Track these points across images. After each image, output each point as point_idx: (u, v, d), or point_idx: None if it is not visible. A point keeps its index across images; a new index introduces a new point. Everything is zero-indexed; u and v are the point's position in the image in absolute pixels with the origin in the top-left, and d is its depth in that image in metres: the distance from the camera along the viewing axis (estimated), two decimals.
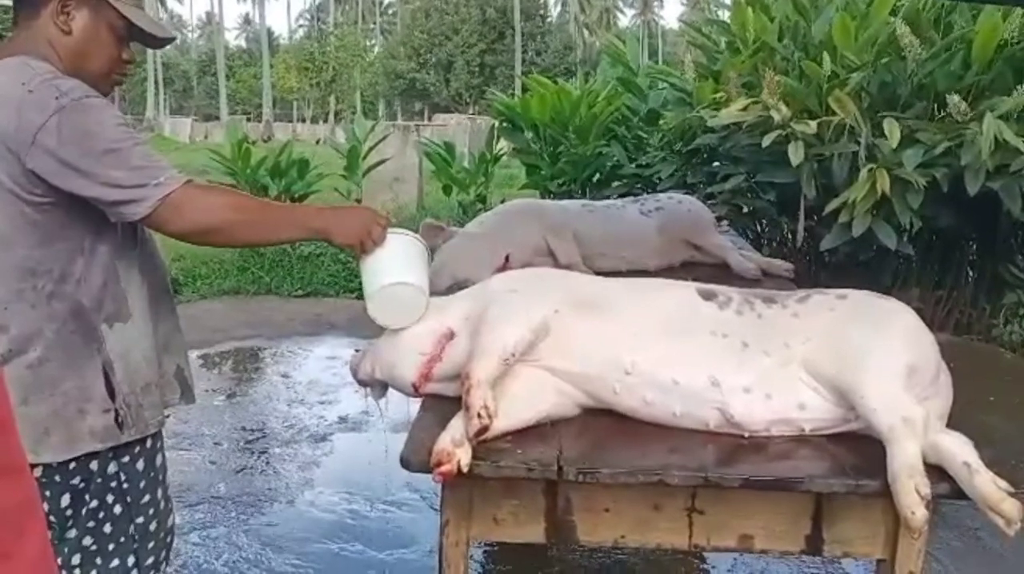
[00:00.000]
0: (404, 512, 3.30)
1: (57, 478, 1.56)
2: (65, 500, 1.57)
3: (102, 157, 1.47)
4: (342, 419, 4.25)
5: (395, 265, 1.71)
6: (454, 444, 1.42)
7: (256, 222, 1.63)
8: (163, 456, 1.78)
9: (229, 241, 1.70)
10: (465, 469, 1.41)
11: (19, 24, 1.60)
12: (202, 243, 1.67)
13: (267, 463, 3.76)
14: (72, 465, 1.57)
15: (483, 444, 1.46)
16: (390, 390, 1.85)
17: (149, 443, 1.71)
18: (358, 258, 1.74)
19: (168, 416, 1.80)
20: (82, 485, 1.59)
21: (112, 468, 1.63)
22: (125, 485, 1.64)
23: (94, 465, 1.60)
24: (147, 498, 1.70)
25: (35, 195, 1.48)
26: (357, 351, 1.92)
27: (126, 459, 1.65)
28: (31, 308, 1.52)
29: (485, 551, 3.04)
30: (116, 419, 1.61)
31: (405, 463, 1.46)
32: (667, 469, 1.43)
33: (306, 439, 4.02)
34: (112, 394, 1.60)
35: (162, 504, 1.76)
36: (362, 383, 1.87)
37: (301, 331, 5.85)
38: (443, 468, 1.39)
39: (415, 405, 1.80)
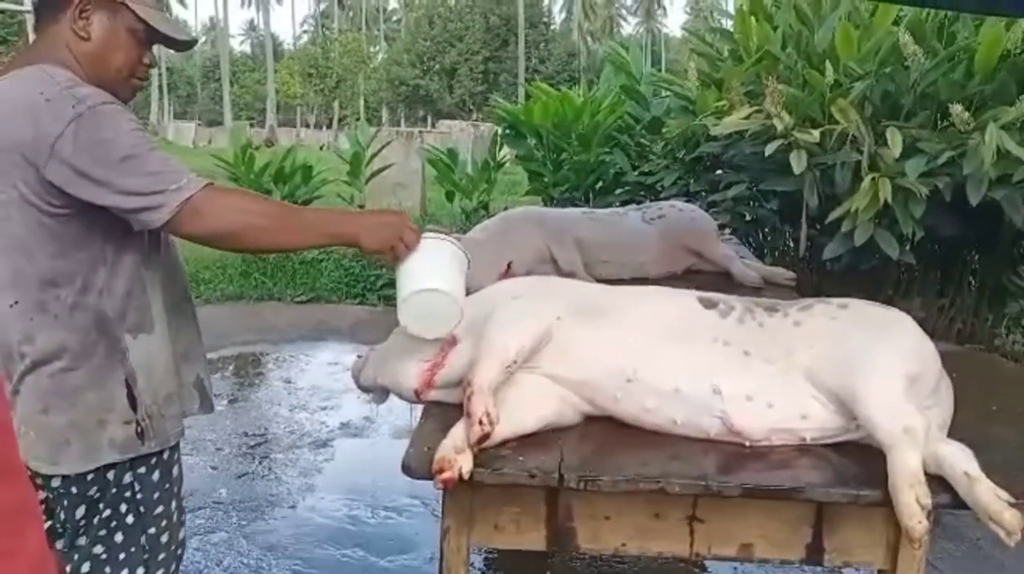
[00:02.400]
0: (405, 518, 3.30)
1: (74, 489, 1.55)
2: (81, 511, 1.57)
3: (118, 165, 1.45)
4: (344, 425, 4.26)
5: (427, 271, 1.62)
6: (456, 451, 1.42)
7: (281, 227, 1.57)
8: (180, 467, 1.76)
9: (252, 246, 1.64)
10: (466, 476, 1.41)
11: (39, 30, 1.59)
12: (224, 248, 1.62)
13: (268, 469, 3.76)
14: (90, 476, 1.55)
15: (484, 451, 1.46)
16: (391, 396, 1.86)
17: (166, 455, 1.69)
18: (390, 265, 1.67)
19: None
20: (97, 495, 1.58)
21: (127, 478, 1.61)
22: (139, 495, 1.63)
23: (111, 475, 1.59)
24: (160, 509, 1.68)
25: (53, 206, 1.47)
26: (359, 357, 1.92)
27: (142, 470, 1.64)
28: (54, 319, 1.51)
29: (486, 558, 3.04)
30: (137, 430, 1.60)
31: (407, 469, 1.46)
32: (668, 477, 1.43)
33: (308, 445, 4.02)
34: (134, 405, 1.59)
35: (175, 516, 1.74)
36: (364, 389, 1.87)
37: (303, 336, 5.86)
38: (444, 475, 1.39)
39: (417, 411, 1.80)
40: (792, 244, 5.50)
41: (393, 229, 1.61)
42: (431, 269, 1.62)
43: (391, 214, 1.68)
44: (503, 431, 1.50)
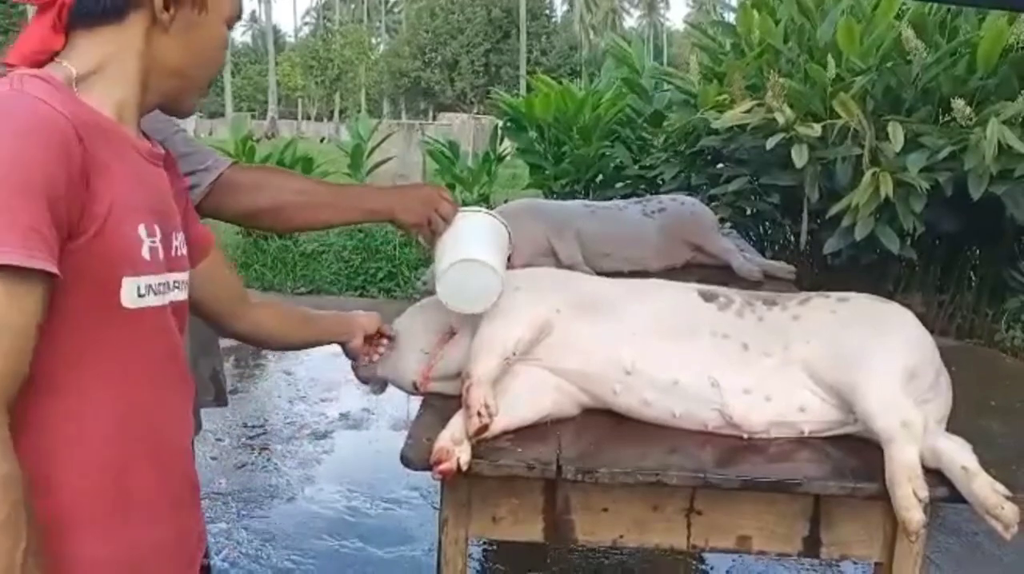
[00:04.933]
0: (404, 509, 3.31)
1: None
2: None
3: None
4: (343, 416, 4.27)
5: (465, 244, 1.58)
6: (454, 442, 1.42)
7: (316, 204, 1.55)
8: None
9: (287, 223, 1.62)
10: (464, 467, 1.41)
11: None
12: (258, 226, 1.60)
13: (268, 459, 3.77)
14: None
15: (483, 442, 1.46)
16: (390, 387, 1.85)
17: None
18: (427, 239, 1.64)
19: None
20: None
21: None
22: None
23: None
24: None
25: None
26: None
27: None
28: None
29: (484, 550, 3.04)
30: None
31: (405, 461, 1.46)
32: (666, 469, 1.44)
33: (307, 436, 4.03)
34: None
35: None
36: (363, 380, 1.87)
37: None
38: (443, 466, 1.39)
39: (415, 403, 1.80)
40: (793, 238, 5.51)
41: (428, 202, 1.58)
42: (469, 241, 1.58)
43: (426, 187, 1.65)
44: (501, 423, 1.50)
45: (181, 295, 1.11)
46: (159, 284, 1.04)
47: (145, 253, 1.00)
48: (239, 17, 1.16)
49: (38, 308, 0.88)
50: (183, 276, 1.11)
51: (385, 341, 1.70)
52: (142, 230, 1.00)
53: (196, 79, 1.11)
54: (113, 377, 0.99)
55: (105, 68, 1.01)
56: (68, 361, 0.95)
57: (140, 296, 1.00)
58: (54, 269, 0.88)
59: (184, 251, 1.13)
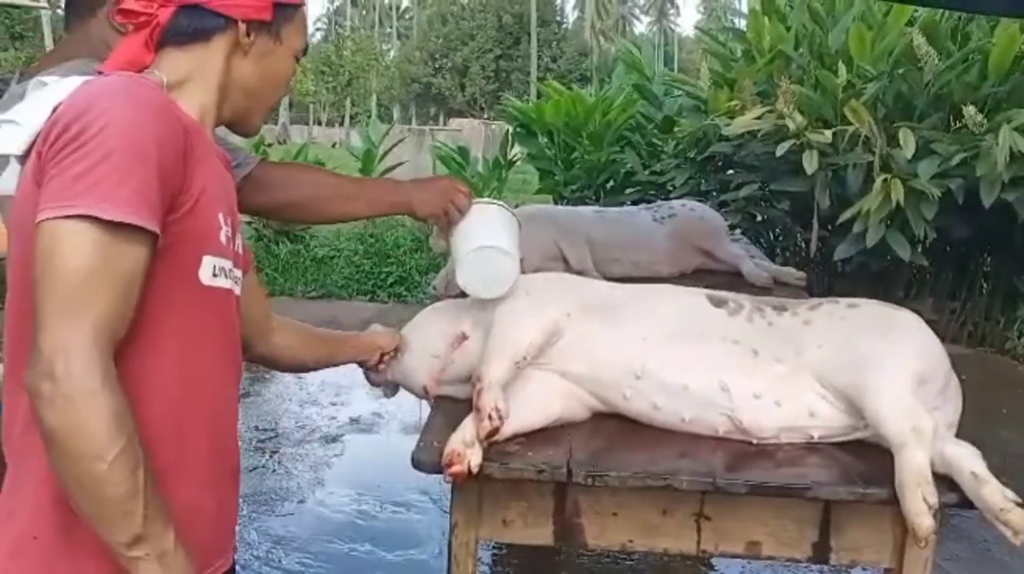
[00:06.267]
0: (414, 513, 3.32)
1: None
2: None
3: None
4: (354, 420, 4.28)
5: (481, 231, 1.66)
6: (465, 445, 1.43)
7: (339, 197, 1.64)
8: None
9: (314, 216, 1.69)
10: (475, 470, 1.42)
11: (72, 27, 1.63)
12: (287, 219, 1.70)
13: (279, 463, 3.79)
14: None
15: (493, 446, 1.47)
16: (401, 391, 1.87)
17: None
18: (444, 230, 1.71)
19: None
20: None
21: None
22: None
23: None
24: None
25: None
26: None
27: None
28: None
29: (493, 554, 3.05)
30: None
31: (416, 463, 1.47)
32: (675, 474, 1.44)
33: (318, 440, 4.05)
34: None
35: None
36: (374, 384, 1.88)
37: None
38: (454, 468, 1.40)
39: (426, 407, 1.81)
40: (803, 245, 5.49)
41: (444, 193, 1.66)
42: (485, 229, 1.66)
43: (441, 179, 1.74)
44: (512, 426, 1.51)
45: (239, 289, 1.20)
46: (230, 269, 1.14)
47: (222, 238, 1.11)
48: (304, 52, 1.26)
49: (141, 262, 0.97)
50: (240, 273, 1.20)
51: (392, 352, 1.76)
52: (221, 217, 1.11)
53: (263, 102, 1.24)
54: (181, 344, 1.08)
55: (191, 80, 1.14)
56: (146, 321, 1.02)
57: (214, 275, 1.10)
58: (155, 228, 0.96)
59: (242, 252, 1.22)
